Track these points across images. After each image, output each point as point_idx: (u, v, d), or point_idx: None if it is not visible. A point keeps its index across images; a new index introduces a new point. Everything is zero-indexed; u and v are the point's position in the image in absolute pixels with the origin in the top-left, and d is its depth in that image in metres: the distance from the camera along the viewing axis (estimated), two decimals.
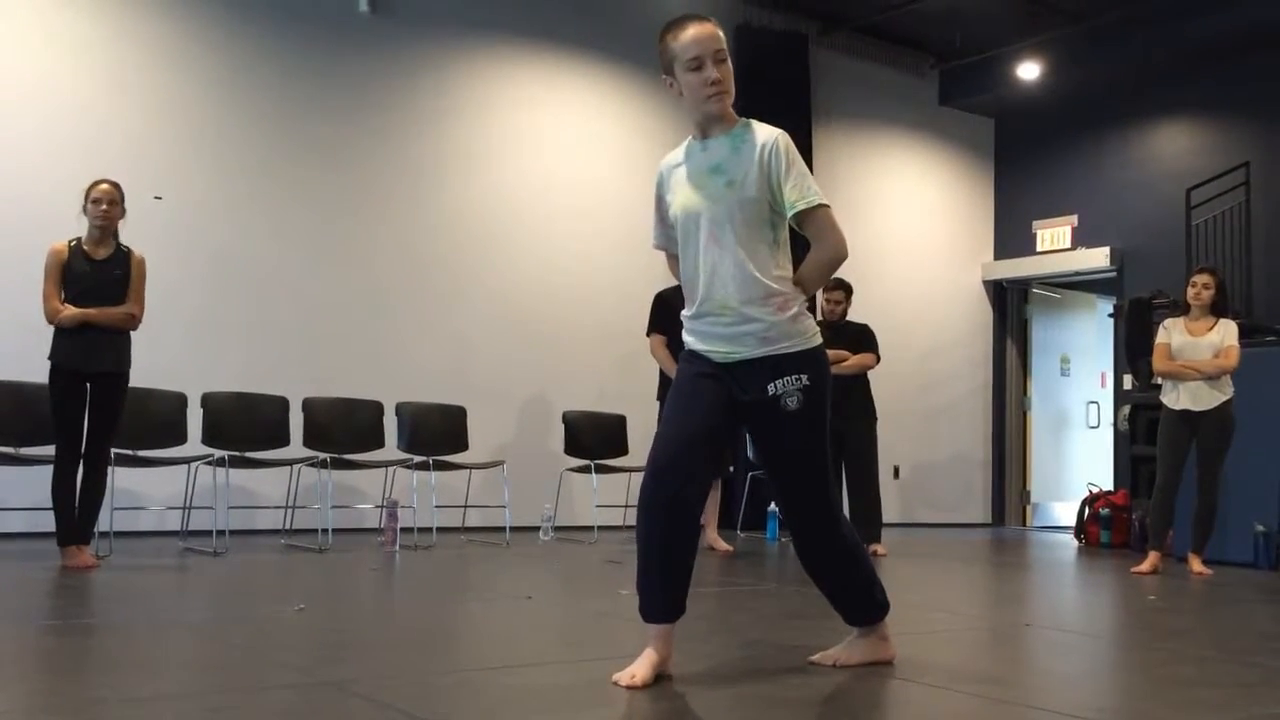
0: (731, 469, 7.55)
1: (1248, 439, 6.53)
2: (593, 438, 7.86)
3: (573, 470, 7.68)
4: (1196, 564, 6.46)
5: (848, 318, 7.37)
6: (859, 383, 7.26)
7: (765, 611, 4.47)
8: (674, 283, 7.65)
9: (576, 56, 8.69)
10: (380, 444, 7.02)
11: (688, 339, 3.10)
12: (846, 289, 7.42)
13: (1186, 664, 3.54)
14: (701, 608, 4.57)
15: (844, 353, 7.17)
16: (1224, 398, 6.36)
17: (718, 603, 4.78)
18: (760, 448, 3.10)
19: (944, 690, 2.98)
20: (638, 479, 8.39)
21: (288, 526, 6.78)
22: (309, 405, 6.85)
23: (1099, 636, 4.30)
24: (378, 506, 7.02)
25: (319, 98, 7.59)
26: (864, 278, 8.05)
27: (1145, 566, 6.40)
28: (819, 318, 7.39)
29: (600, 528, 7.75)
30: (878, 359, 7.32)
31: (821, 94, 9.81)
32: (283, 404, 6.78)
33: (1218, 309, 6.47)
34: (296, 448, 6.71)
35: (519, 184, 8.33)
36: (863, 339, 7.26)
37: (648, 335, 6.95)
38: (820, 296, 7.38)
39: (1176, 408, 6.45)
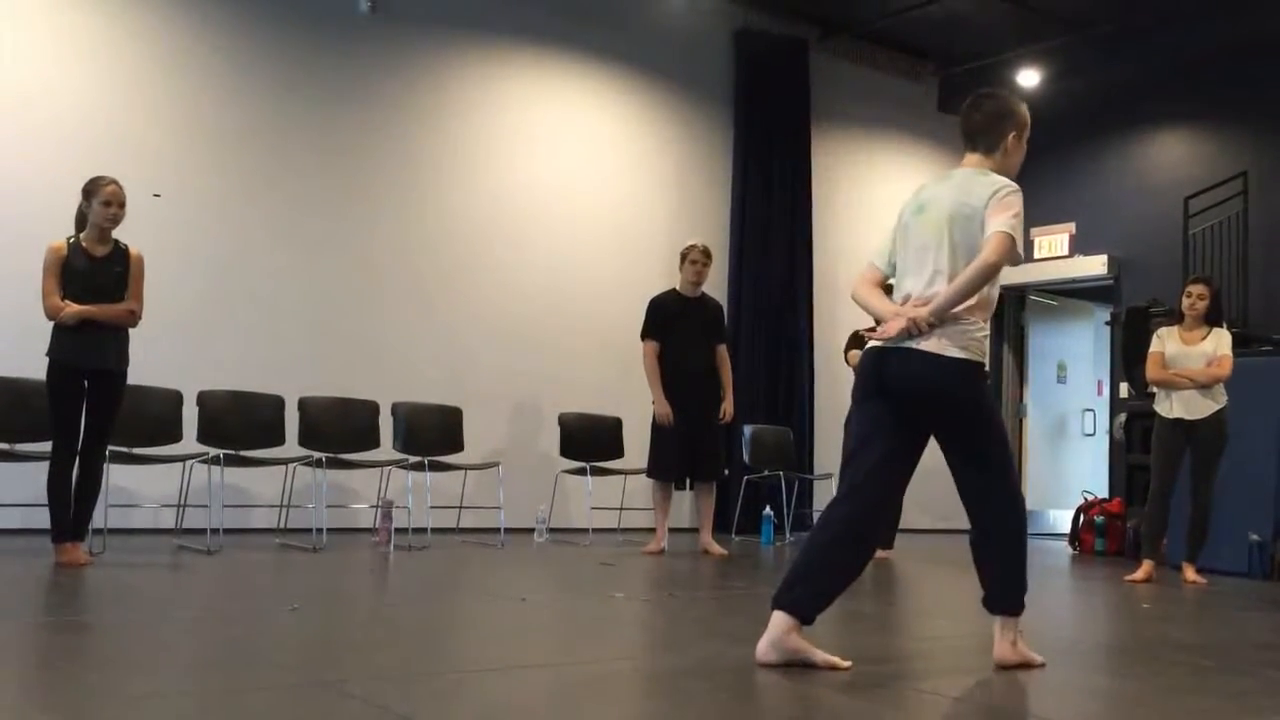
0: (726, 472, 7.54)
1: (1242, 448, 6.54)
2: (588, 440, 7.85)
3: (568, 472, 7.68)
4: (1190, 573, 6.46)
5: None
6: None
7: (760, 615, 4.46)
8: (668, 288, 7.65)
9: (580, 58, 8.69)
10: (376, 444, 7.02)
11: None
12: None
13: (1181, 673, 3.55)
14: (696, 611, 4.57)
15: None
16: (1217, 406, 6.37)
17: (713, 606, 4.79)
18: None
19: (939, 696, 2.99)
20: (633, 481, 8.47)
21: (282, 525, 6.77)
22: (305, 404, 6.84)
23: (1093, 644, 4.31)
24: (372, 506, 7.02)
25: (318, 97, 7.58)
26: None
27: (1139, 575, 6.40)
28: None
29: (595, 530, 7.74)
30: None
31: (821, 99, 9.81)
32: (278, 403, 6.77)
33: (1211, 318, 6.49)
34: (292, 447, 6.69)
35: (518, 185, 8.33)
36: None
37: (642, 339, 6.94)
38: None
39: (1170, 416, 6.46)
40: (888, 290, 3.49)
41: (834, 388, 8.48)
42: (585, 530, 7.69)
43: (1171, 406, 6.46)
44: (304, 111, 7.53)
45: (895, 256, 3.44)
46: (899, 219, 3.47)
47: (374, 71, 7.80)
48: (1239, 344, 6.74)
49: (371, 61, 7.79)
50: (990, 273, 3.17)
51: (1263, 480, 6.98)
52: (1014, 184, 3.30)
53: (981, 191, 3.27)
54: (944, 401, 3.24)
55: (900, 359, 3.23)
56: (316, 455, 6.58)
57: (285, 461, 6.55)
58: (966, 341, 3.22)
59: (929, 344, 3.19)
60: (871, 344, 3.36)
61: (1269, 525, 6.95)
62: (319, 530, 6.48)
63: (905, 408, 3.27)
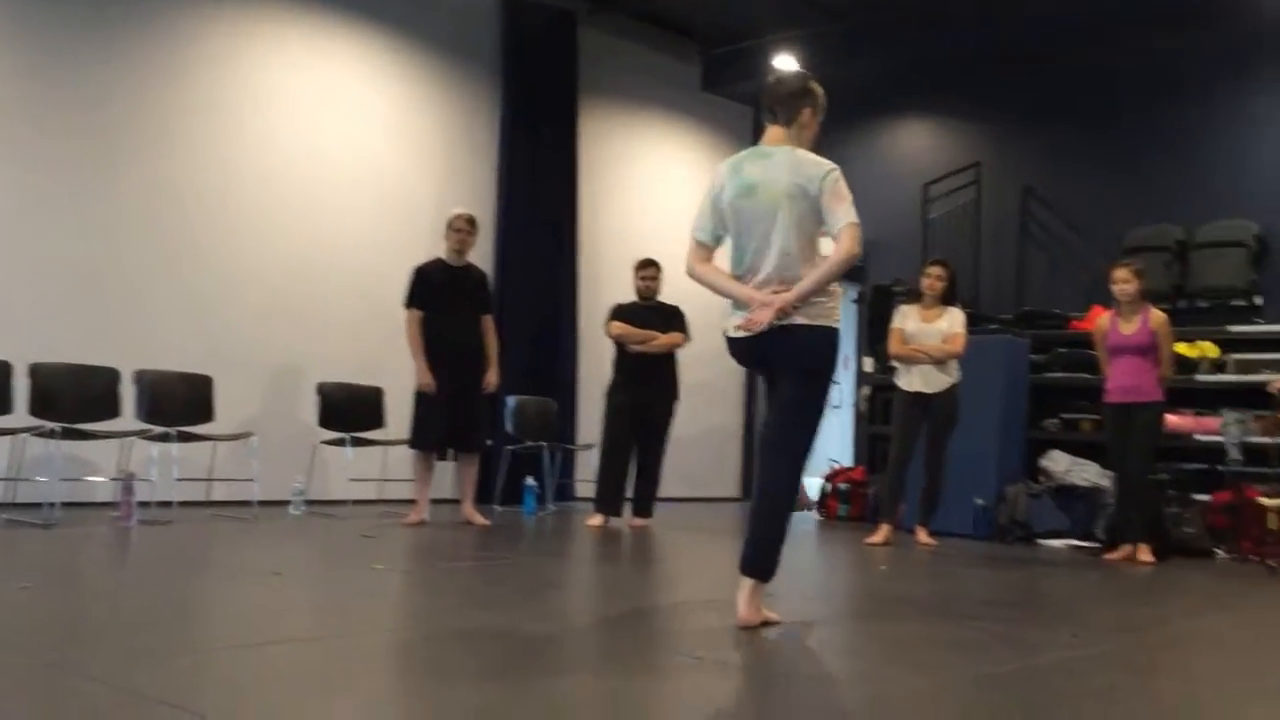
0: (490, 442, 7.53)
1: (970, 420, 7.06)
2: (348, 410, 7.68)
3: (327, 443, 7.49)
4: (923, 535, 6.94)
5: (659, 297, 7.45)
6: (667, 361, 7.38)
7: (521, 583, 4.51)
8: (433, 256, 7.55)
9: (343, 18, 8.38)
10: (115, 413, 6.62)
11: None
12: (659, 265, 7.46)
13: (913, 627, 3.81)
14: (458, 582, 4.56)
15: (653, 333, 7.28)
16: (952, 381, 6.85)
17: (474, 576, 4.79)
18: None
19: (691, 659, 3.09)
20: (394, 452, 8.32)
21: (10, 500, 6.31)
22: (36, 370, 6.38)
23: (835, 604, 4.56)
24: (113, 479, 6.63)
25: (56, 48, 7.02)
26: (626, 256, 8.18)
27: (877, 538, 6.82)
28: (633, 296, 7.49)
29: (354, 502, 7.59)
30: (687, 338, 7.45)
31: (589, 73, 9.86)
32: (5, 369, 6.30)
33: (948, 298, 6.96)
34: (21, 416, 6.24)
35: (275, 147, 7.99)
36: (673, 318, 7.38)
37: (405, 308, 6.83)
38: (635, 274, 7.45)
39: (910, 390, 6.90)
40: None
41: (597, 359, 8.59)
42: (344, 502, 7.53)
43: (911, 380, 6.90)
44: (40, 64, 6.96)
45: (718, 231, 3.74)
46: (718, 196, 3.72)
47: (118, 22, 7.29)
48: (970, 323, 7.25)
49: (116, 11, 7.28)
50: (851, 263, 3.58)
51: (986, 449, 7.58)
52: (836, 166, 3.64)
53: (811, 172, 3.59)
54: (814, 363, 3.57)
55: (783, 334, 3.52)
56: (50, 425, 6.15)
57: (14, 431, 6.10)
58: (829, 314, 3.60)
59: (805, 318, 3.52)
60: (739, 334, 3.59)
61: (992, 490, 7.54)
62: (52, 505, 6.07)
63: (775, 372, 3.64)
